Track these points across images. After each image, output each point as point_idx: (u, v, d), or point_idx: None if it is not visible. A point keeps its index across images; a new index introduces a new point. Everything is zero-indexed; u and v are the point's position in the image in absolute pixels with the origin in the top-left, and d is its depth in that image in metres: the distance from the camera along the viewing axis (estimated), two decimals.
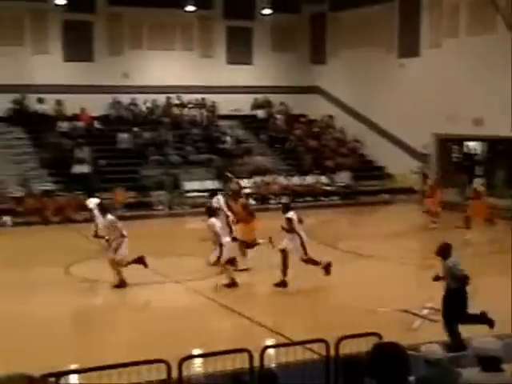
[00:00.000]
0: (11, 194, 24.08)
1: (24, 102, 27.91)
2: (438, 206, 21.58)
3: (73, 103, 27.84)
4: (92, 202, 18.42)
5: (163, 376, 7.34)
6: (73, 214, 23.07)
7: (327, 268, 14.09)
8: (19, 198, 23.76)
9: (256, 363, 7.71)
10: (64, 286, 14.29)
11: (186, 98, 30.25)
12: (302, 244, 13.89)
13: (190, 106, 30.36)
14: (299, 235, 13.90)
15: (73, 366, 9.40)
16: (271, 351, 8.93)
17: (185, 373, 7.57)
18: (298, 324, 11.99)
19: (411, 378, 4.38)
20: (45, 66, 28.07)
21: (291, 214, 14.08)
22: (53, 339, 10.88)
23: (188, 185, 26.48)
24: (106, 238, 14.73)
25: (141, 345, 10.25)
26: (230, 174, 22.09)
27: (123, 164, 26.73)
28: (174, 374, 7.41)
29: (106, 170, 26.12)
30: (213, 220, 14.07)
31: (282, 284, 13.80)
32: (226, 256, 13.76)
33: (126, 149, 27.80)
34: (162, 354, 7.65)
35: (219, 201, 15.86)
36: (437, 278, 10.69)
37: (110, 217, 14.27)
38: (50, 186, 24.82)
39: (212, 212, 14.47)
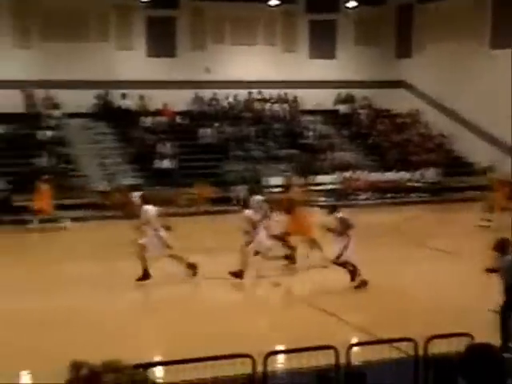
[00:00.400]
0: (97, 188, 24.46)
1: (107, 97, 28.32)
2: (503, 201, 20.36)
3: (155, 98, 28.07)
4: None
5: (248, 371, 7.12)
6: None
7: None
8: (104, 192, 24.08)
9: (342, 360, 7.44)
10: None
11: (268, 92, 30.06)
12: (346, 247, 13.27)
13: (272, 100, 30.17)
14: (348, 237, 13.25)
15: (156, 359, 9.29)
16: (357, 348, 8.58)
17: (269, 368, 7.33)
18: (384, 322, 11.55)
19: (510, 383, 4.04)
20: (128, 62, 28.44)
21: (340, 215, 13.51)
22: (133, 331, 10.82)
23: (269, 180, 26.28)
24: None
25: (223, 339, 10.05)
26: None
27: (205, 159, 26.76)
28: (259, 368, 7.17)
29: (189, 165, 26.19)
30: (248, 212, 14.11)
31: (362, 284, 13.30)
32: (256, 247, 13.79)
33: (207, 144, 27.84)
34: (246, 348, 7.44)
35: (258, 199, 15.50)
36: (491, 271, 10.32)
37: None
38: (134, 181, 25.07)
39: (248, 204, 14.49)
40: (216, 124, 28.38)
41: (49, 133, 26.56)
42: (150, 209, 14.11)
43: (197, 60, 29.21)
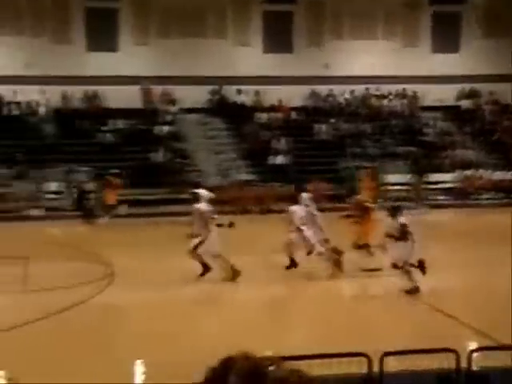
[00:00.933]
0: (211, 183, 24.41)
1: (222, 93, 28.33)
2: None
3: (270, 94, 27.84)
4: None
5: (363, 370, 6.60)
6: (271, 205, 22.86)
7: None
8: (219, 187, 24.00)
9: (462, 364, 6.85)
10: (263, 275, 13.92)
11: (386, 88, 29.16)
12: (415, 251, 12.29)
13: (390, 96, 29.25)
14: (413, 242, 12.26)
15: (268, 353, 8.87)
16: (478, 353, 7.84)
17: (385, 368, 6.76)
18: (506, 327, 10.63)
19: None
20: (245, 58, 28.34)
21: (404, 219, 12.48)
22: (248, 325, 10.51)
23: (386, 177, 25.46)
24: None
25: (337, 337, 9.56)
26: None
27: (320, 156, 26.22)
28: (375, 368, 6.63)
29: (304, 161, 25.75)
30: (294, 208, 13.79)
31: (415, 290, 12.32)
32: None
33: (323, 140, 27.32)
34: (361, 347, 7.01)
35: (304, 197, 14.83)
36: None
37: None
38: (248, 177, 24.92)
39: (295, 200, 14.21)
40: (332, 120, 27.83)
41: (165, 128, 26.86)
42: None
43: (314, 56, 28.74)
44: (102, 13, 27.81)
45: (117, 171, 22.85)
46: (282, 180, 24.25)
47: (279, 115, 28.13)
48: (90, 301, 11.91)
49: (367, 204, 15.31)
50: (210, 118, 27.94)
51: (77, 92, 27.14)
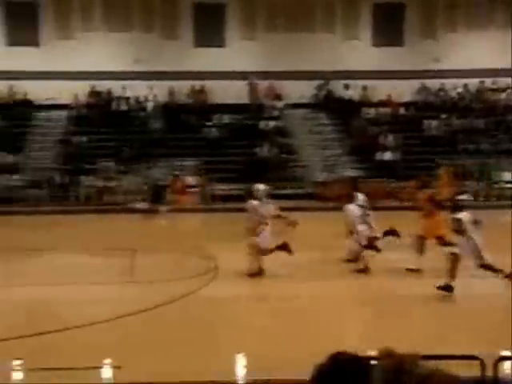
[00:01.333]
0: (316, 179, 24.05)
1: (328, 87, 27.79)
2: None
3: (378, 89, 27.12)
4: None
5: (476, 373, 6.01)
6: (378, 201, 22.16)
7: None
8: (324, 182, 23.61)
9: None
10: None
11: (503, 81, 27.75)
12: (477, 248, 11.39)
13: (508, 90, 27.81)
14: (471, 238, 11.43)
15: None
16: None
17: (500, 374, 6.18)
18: None
19: None
20: (353, 52, 27.73)
21: (462, 215, 11.64)
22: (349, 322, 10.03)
23: (499, 175, 24.24)
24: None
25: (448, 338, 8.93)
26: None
27: (430, 152, 25.22)
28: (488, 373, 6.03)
29: (412, 157, 24.87)
30: (351, 207, 13.59)
31: (448, 288, 11.40)
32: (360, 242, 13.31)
33: (433, 136, 26.32)
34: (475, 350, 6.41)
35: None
36: None
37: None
38: (354, 172, 24.33)
39: (351, 199, 13.88)
40: (443, 115, 26.76)
41: (271, 123, 26.64)
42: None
43: (425, 48, 27.77)
44: (209, 8, 27.92)
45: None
46: (389, 176, 23.57)
47: (387, 110, 27.33)
48: (194, 293, 11.83)
49: (440, 198, 14.68)
50: (315, 113, 27.50)
51: (183, 87, 27.36)
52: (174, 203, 22.77)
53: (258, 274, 13.04)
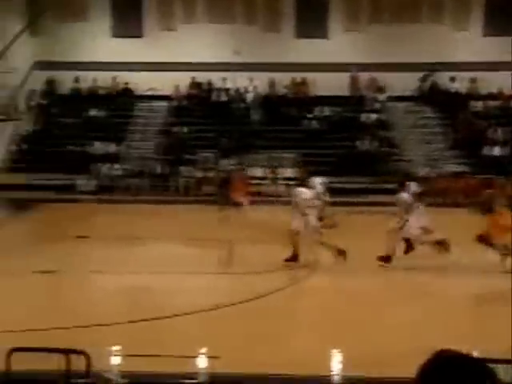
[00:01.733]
0: (419, 173, 23.21)
1: (433, 80, 26.80)
2: None
3: (488, 81, 25.92)
4: None
5: None
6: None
7: None
8: (427, 178, 22.74)
9: None
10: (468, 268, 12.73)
11: None
12: None
13: None
14: None
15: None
16: None
17: None
18: None
19: None
20: (462, 43, 26.61)
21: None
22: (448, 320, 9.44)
23: None
24: None
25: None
26: None
27: None
28: None
29: None
30: (404, 195, 13.25)
31: None
32: (406, 233, 13.05)
33: None
34: None
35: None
36: None
37: None
38: (459, 167, 23.38)
39: (403, 187, 13.62)
40: None
41: (373, 116, 25.96)
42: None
43: None
44: (312, 1, 27.49)
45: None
46: (497, 172, 22.49)
47: (496, 103, 26.10)
48: (294, 285, 11.71)
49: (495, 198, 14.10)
50: (419, 107, 26.59)
51: (284, 79, 27.04)
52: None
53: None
